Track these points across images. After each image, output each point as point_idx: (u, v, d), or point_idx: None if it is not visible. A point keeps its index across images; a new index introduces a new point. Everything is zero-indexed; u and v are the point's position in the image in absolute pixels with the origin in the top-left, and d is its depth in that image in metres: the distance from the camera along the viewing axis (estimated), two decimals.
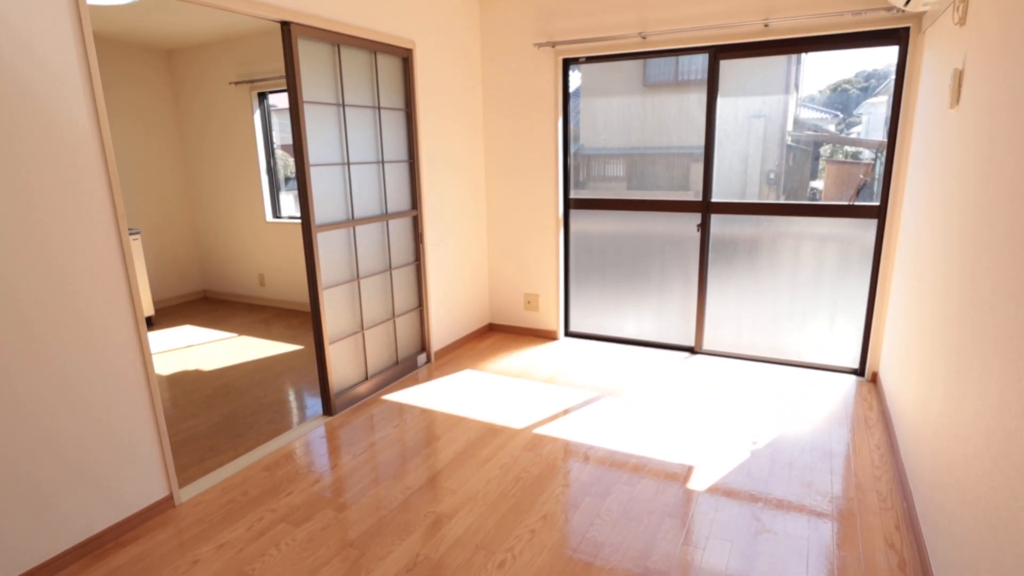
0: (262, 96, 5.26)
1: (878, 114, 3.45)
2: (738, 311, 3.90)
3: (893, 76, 3.21)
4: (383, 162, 3.47)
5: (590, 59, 3.97)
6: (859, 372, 3.61)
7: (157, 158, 5.54)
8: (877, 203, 3.39)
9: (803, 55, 3.49)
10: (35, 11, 1.86)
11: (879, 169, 3.42)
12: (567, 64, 4.04)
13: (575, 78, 4.13)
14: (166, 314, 5.43)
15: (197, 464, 2.76)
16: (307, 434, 3.04)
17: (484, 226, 4.52)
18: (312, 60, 2.94)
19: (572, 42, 3.84)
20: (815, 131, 3.72)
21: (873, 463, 2.64)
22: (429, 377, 3.77)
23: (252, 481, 2.61)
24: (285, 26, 2.75)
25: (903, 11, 3.00)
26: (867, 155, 3.57)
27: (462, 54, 4.04)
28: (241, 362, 4.11)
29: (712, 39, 3.51)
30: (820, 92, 3.62)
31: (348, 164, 3.22)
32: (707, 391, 3.44)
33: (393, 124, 3.52)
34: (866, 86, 3.49)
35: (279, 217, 5.50)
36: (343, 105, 3.15)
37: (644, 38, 3.65)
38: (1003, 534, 1.32)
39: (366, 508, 2.40)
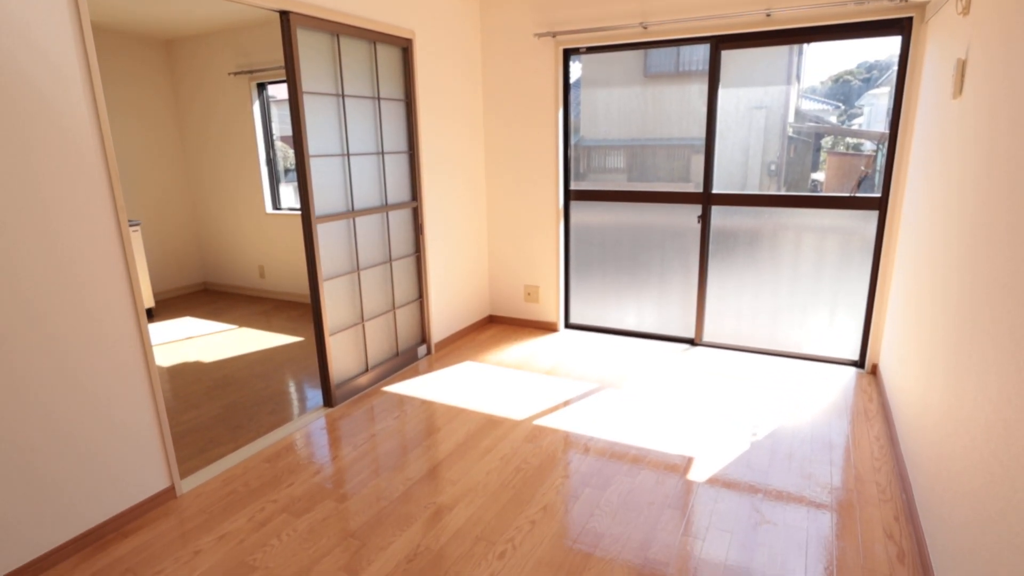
0: (261, 87, 5.24)
1: (880, 105, 3.43)
2: (738, 303, 3.90)
3: (895, 67, 3.19)
4: (383, 153, 3.45)
5: (591, 49, 3.94)
6: (859, 364, 3.62)
7: (156, 149, 5.52)
8: (878, 195, 3.38)
9: (805, 45, 3.46)
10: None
11: (880, 161, 3.41)
12: (567, 54, 4.02)
13: (575, 69, 4.11)
14: (166, 306, 5.43)
15: (198, 455, 2.77)
16: (308, 425, 3.05)
17: (484, 218, 4.52)
18: (311, 50, 2.92)
19: (573, 32, 3.82)
20: (816, 122, 3.71)
21: (873, 455, 2.65)
22: (429, 369, 3.77)
23: (253, 472, 2.62)
24: (284, 15, 2.73)
25: (906, 1, 2.98)
26: (868, 147, 3.56)
27: (462, 45, 4.02)
28: (241, 354, 4.11)
29: (713, 29, 3.48)
30: (822, 83, 3.60)
31: (348, 155, 3.21)
32: (707, 383, 3.44)
33: (393, 115, 3.51)
34: (868, 77, 3.47)
35: (279, 209, 5.49)
36: (343, 96, 3.13)
37: (645, 28, 3.63)
38: (1002, 524, 1.33)
39: (367, 499, 2.41)
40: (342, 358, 3.31)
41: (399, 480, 2.54)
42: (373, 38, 3.25)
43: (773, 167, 3.70)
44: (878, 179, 3.41)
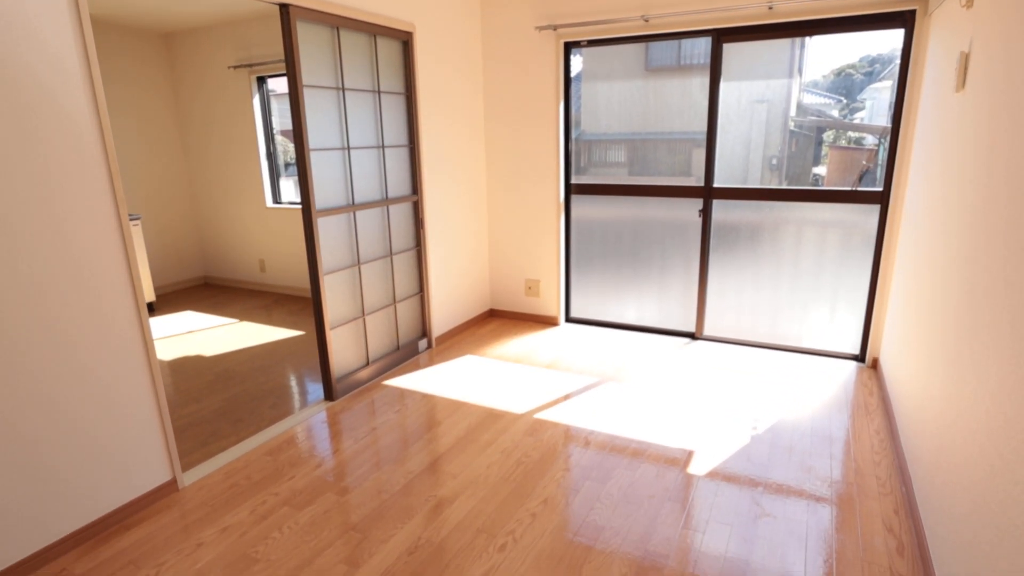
0: (261, 80, 5.22)
1: (882, 99, 3.42)
2: (739, 297, 3.90)
3: (898, 61, 3.18)
4: (383, 147, 3.45)
5: (592, 43, 3.93)
6: (860, 358, 3.62)
7: (156, 143, 5.51)
8: (880, 189, 3.37)
9: (807, 39, 3.45)
10: None
11: (882, 155, 3.40)
12: (568, 48, 4.00)
13: (576, 62, 4.09)
14: (167, 300, 5.43)
15: (200, 448, 2.78)
16: (309, 419, 3.05)
17: (485, 212, 4.51)
18: (311, 43, 2.91)
19: (574, 25, 3.80)
20: (818, 116, 3.70)
21: (873, 448, 2.66)
22: (430, 362, 3.78)
23: (254, 465, 2.63)
24: (284, 8, 2.72)
25: None
26: (870, 141, 3.55)
27: (463, 38, 4.00)
28: (242, 348, 4.12)
29: (715, 22, 3.47)
30: (824, 77, 3.59)
31: (348, 149, 3.20)
32: (708, 376, 3.45)
33: (393, 108, 3.50)
34: (870, 71, 3.46)
35: (279, 203, 5.48)
36: (343, 89, 3.12)
37: (646, 21, 3.61)
38: (1001, 517, 1.33)
39: (368, 492, 2.41)
40: (343, 352, 3.32)
41: (400, 473, 2.55)
42: (373, 31, 3.23)
43: (775, 161, 3.69)
44: (880, 173, 3.40)
